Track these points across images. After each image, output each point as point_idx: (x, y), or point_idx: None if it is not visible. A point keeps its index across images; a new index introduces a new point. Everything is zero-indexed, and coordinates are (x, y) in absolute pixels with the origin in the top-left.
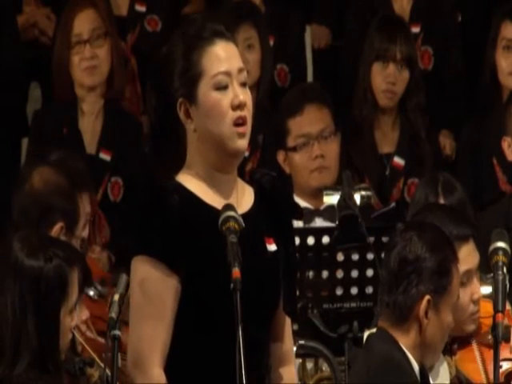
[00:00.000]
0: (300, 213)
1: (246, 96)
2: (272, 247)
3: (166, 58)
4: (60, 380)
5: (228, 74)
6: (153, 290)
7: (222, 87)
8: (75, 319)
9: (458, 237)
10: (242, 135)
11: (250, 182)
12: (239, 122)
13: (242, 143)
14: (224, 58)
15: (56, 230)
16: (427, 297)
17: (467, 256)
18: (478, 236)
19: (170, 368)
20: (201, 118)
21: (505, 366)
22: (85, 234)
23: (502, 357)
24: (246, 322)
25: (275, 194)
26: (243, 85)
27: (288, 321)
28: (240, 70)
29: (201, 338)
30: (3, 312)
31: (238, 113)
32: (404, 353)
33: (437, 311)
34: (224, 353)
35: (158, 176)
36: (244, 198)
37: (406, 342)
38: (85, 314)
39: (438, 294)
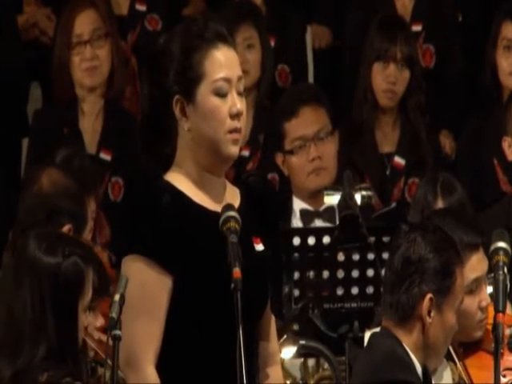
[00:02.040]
0: (285, 212)
1: (242, 105)
2: (259, 247)
3: (163, 51)
4: (80, 372)
5: (229, 81)
6: (146, 289)
7: (221, 93)
8: (88, 319)
9: (469, 245)
10: (235, 142)
11: (236, 184)
12: (234, 131)
13: (235, 149)
14: (226, 64)
15: (64, 231)
16: (429, 295)
17: (477, 264)
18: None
19: (164, 367)
20: (197, 119)
21: (508, 376)
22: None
23: (506, 366)
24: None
25: (261, 193)
26: (240, 93)
27: (273, 321)
28: (239, 79)
29: (195, 336)
30: (22, 310)
31: (235, 123)
32: (407, 353)
33: (440, 312)
34: (218, 351)
35: (146, 167)
36: (231, 199)
37: (409, 341)
38: (99, 321)
39: (441, 294)
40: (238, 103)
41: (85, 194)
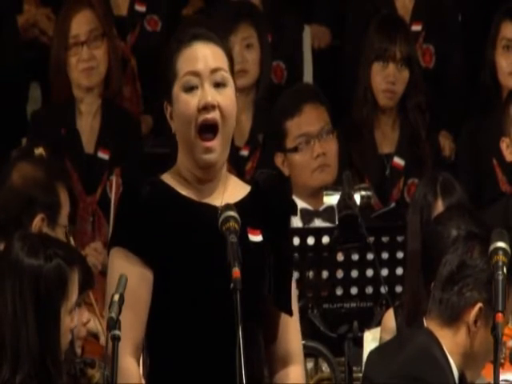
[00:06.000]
0: (295, 209)
1: (219, 97)
2: (256, 238)
3: (161, 60)
4: (61, 381)
5: (197, 74)
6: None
7: (189, 88)
8: (75, 320)
9: None
10: (207, 150)
11: (250, 181)
12: (206, 124)
13: (210, 157)
14: (195, 58)
15: (37, 221)
16: (479, 304)
17: None
18: None
19: (153, 360)
20: (176, 120)
21: None
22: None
23: (505, 378)
24: (228, 313)
25: (270, 190)
26: (218, 85)
27: (292, 321)
28: (214, 70)
29: (181, 329)
30: (3, 311)
31: (204, 115)
32: (446, 356)
33: (486, 324)
34: (207, 345)
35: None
36: (229, 194)
37: (450, 343)
38: (85, 316)
39: (490, 307)
40: (210, 95)
41: (54, 180)
